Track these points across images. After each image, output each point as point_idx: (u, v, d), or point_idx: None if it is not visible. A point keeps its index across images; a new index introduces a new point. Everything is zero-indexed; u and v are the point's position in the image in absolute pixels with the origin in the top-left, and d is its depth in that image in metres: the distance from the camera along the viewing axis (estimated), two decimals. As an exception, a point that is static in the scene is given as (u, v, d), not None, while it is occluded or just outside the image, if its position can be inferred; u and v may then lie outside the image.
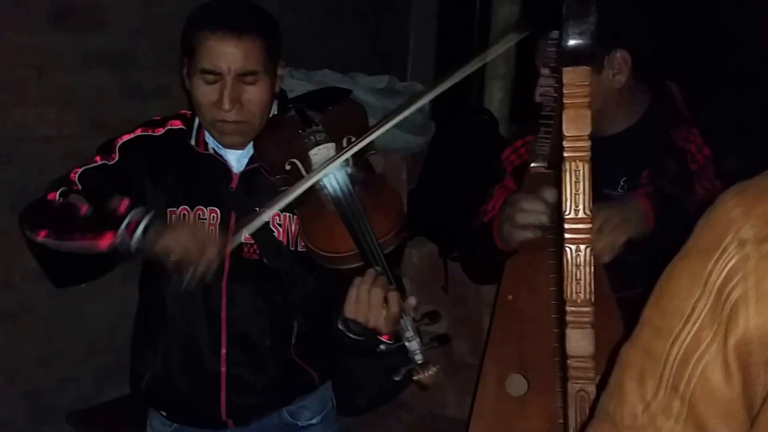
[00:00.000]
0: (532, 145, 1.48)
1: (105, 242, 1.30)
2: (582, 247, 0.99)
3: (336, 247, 1.35)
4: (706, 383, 0.67)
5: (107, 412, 2.41)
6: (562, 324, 1.00)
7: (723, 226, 0.67)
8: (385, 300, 1.28)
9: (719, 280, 0.66)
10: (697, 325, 0.67)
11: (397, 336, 1.31)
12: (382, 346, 1.30)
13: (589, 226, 0.99)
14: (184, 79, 1.47)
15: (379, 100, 2.65)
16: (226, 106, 1.38)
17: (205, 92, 1.40)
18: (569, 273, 0.99)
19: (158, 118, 1.56)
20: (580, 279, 0.99)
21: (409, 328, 1.30)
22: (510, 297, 1.41)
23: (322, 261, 1.38)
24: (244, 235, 1.38)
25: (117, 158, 1.49)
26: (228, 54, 1.36)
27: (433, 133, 2.74)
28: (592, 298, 0.98)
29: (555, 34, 1.16)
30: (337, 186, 1.38)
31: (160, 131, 1.53)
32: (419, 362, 1.30)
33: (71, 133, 2.28)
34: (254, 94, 1.41)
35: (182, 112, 1.57)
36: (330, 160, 1.38)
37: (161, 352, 1.50)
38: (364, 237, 1.33)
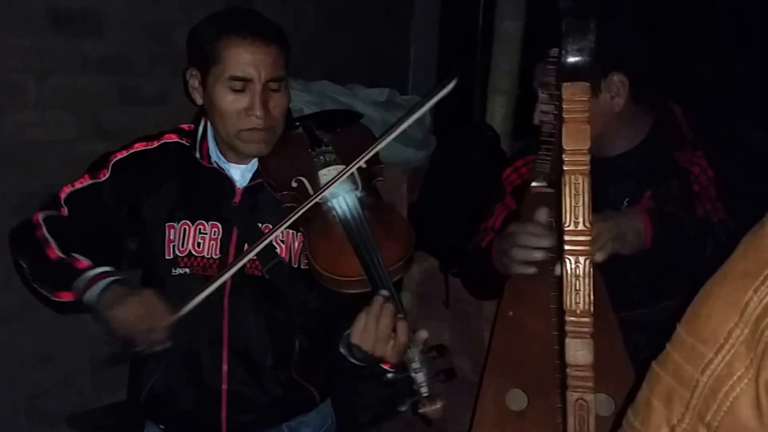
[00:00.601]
0: (533, 164, 1.48)
1: (66, 296, 1.39)
2: (581, 258, 1.00)
3: (343, 271, 1.32)
4: (734, 416, 0.64)
5: (108, 415, 2.39)
6: (562, 336, 1.01)
7: (765, 252, 0.64)
8: (394, 330, 1.25)
9: (757, 311, 0.62)
10: (730, 354, 0.64)
11: (402, 366, 1.28)
12: (389, 375, 1.28)
13: (588, 238, 1.00)
14: (193, 90, 1.46)
15: (380, 113, 2.65)
16: (259, 112, 1.39)
17: (232, 101, 1.40)
18: (569, 284, 1.00)
19: (155, 133, 1.56)
20: (580, 290, 1.00)
21: (417, 359, 1.27)
22: (510, 313, 1.41)
23: (327, 283, 1.35)
24: (250, 257, 1.38)
25: (108, 175, 1.48)
26: (259, 60, 1.37)
27: (434, 148, 2.74)
28: (592, 309, 0.99)
29: (554, 52, 1.17)
30: (346, 208, 1.37)
31: (155, 144, 1.53)
32: (425, 395, 1.27)
33: (70, 137, 2.28)
34: (279, 100, 1.43)
35: (180, 126, 1.57)
36: (338, 176, 1.36)
37: (161, 366, 1.49)
38: (372, 263, 1.30)
